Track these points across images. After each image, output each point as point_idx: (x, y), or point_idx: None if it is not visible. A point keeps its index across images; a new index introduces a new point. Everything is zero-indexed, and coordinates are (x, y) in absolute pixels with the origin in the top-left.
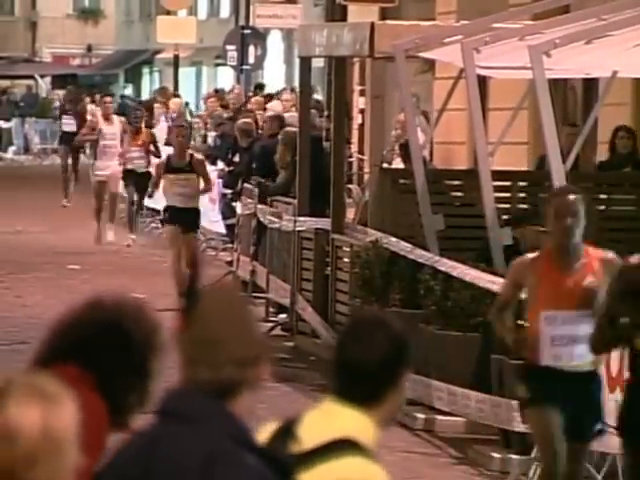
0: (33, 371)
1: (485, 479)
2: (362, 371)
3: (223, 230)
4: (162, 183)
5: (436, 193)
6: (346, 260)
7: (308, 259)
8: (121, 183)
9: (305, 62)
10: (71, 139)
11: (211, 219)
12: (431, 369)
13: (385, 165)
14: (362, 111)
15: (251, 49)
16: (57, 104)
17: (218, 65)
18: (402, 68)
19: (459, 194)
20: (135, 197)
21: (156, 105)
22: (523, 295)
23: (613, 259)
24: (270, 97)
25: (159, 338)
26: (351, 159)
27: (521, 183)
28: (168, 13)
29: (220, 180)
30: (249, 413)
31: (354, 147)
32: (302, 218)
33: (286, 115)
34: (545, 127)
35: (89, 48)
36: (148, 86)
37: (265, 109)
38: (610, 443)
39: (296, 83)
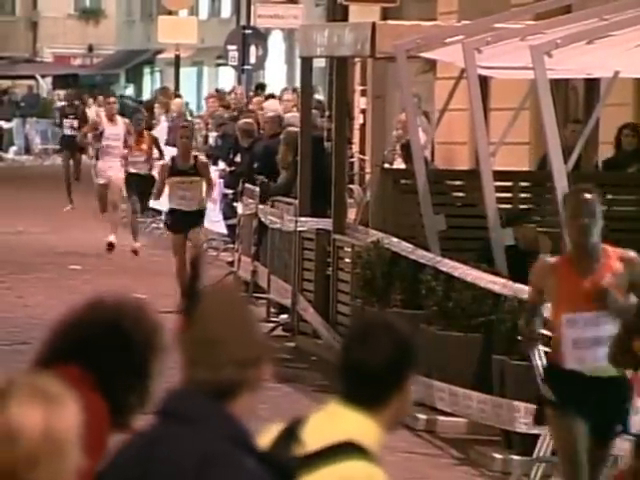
0: (35, 372)
1: None
2: (367, 374)
3: (224, 230)
4: (166, 187)
5: (437, 193)
6: (347, 260)
7: (309, 259)
8: (123, 188)
9: (306, 62)
10: (72, 142)
11: (212, 219)
12: (432, 370)
13: (386, 165)
14: (363, 111)
15: (252, 49)
16: (58, 104)
17: (219, 65)
18: (403, 68)
19: (460, 194)
20: (138, 204)
21: (156, 105)
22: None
23: (634, 258)
24: (272, 98)
25: (159, 338)
26: (352, 159)
27: (523, 183)
28: (169, 13)
29: (221, 180)
30: (250, 414)
31: (355, 147)
32: (303, 218)
33: (287, 115)
34: (546, 127)
35: (90, 48)
36: (149, 86)
37: (263, 109)
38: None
39: (297, 83)
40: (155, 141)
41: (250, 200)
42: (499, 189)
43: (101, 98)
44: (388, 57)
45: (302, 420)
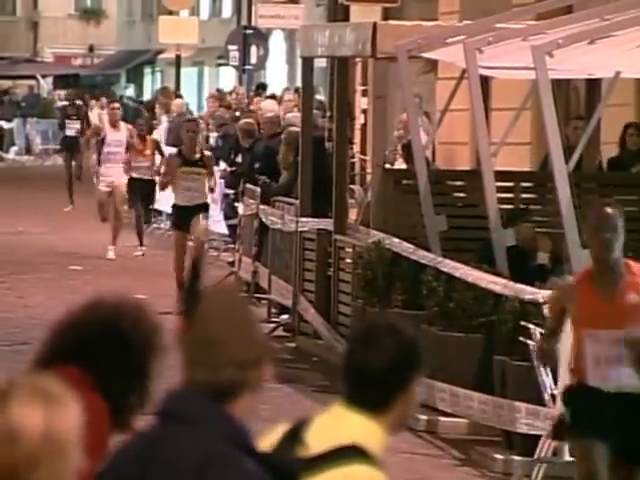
0: (35, 372)
1: None
2: (370, 376)
3: (225, 231)
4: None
5: (438, 194)
6: (348, 261)
7: (310, 260)
8: (125, 194)
9: (307, 62)
10: (74, 143)
11: (213, 219)
12: (433, 370)
13: (387, 165)
14: (364, 111)
15: (253, 49)
16: (59, 104)
17: (220, 65)
18: (404, 68)
19: (462, 195)
20: (142, 209)
21: (157, 106)
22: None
23: None
24: (274, 98)
25: (159, 339)
26: (353, 159)
27: (524, 184)
28: (170, 13)
29: (222, 180)
30: (250, 415)
31: (356, 147)
32: (304, 219)
33: (289, 115)
34: (548, 127)
35: (91, 48)
36: (150, 86)
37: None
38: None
39: (298, 83)
40: (157, 145)
41: (251, 200)
42: (500, 189)
43: (104, 100)
44: (389, 57)
45: (307, 421)
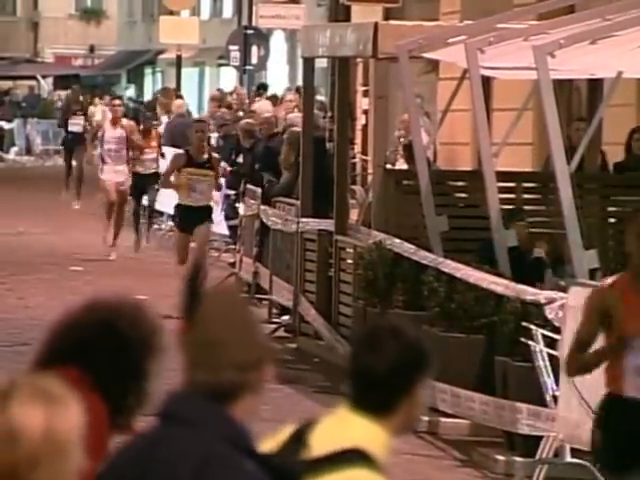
0: (36, 373)
1: None
2: (375, 380)
3: (226, 231)
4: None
5: (440, 194)
6: (349, 261)
7: (311, 260)
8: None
9: (308, 63)
10: (77, 139)
11: (214, 220)
12: (434, 371)
13: (388, 166)
14: (365, 112)
15: (254, 49)
16: (59, 104)
17: (221, 66)
18: (406, 68)
19: (463, 195)
20: (143, 204)
21: (158, 106)
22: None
23: None
24: (275, 99)
25: (157, 338)
26: (354, 160)
27: (525, 184)
28: (171, 13)
29: (223, 180)
30: (251, 416)
31: (357, 148)
32: (305, 219)
33: (290, 115)
34: (549, 128)
35: (91, 48)
36: (151, 87)
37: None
38: None
39: (299, 84)
40: (160, 139)
41: (252, 201)
42: (502, 190)
43: (108, 98)
44: (390, 57)
45: (311, 423)
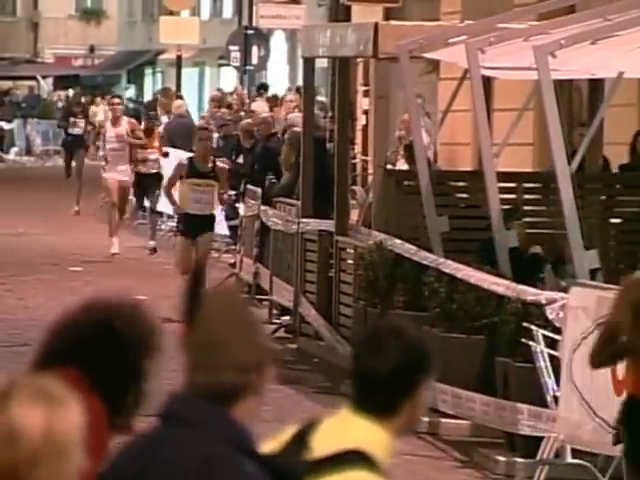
0: (35, 373)
1: None
2: (377, 381)
3: (226, 232)
4: (178, 187)
5: (440, 194)
6: (350, 262)
7: (312, 261)
8: (130, 191)
9: (309, 63)
10: (77, 141)
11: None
12: (434, 372)
13: (389, 166)
14: (366, 112)
15: (254, 50)
16: (60, 105)
17: (221, 66)
18: (406, 68)
19: (464, 196)
20: (147, 202)
21: (159, 106)
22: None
23: None
24: (275, 99)
25: (155, 338)
26: (355, 160)
27: (526, 184)
28: (171, 13)
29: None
30: (253, 418)
31: (358, 148)
32: (306, 220)
33: (291, 116)
34: (550, 128)
35: (91, 49)
36: (151, 87)
37: (271, 110)
38: (615, 446)
39: (300, 84)
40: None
41: (252, 201)
42: (503, 190)
43: (109, 97)
44: (391, 57)
45: (313, 424)
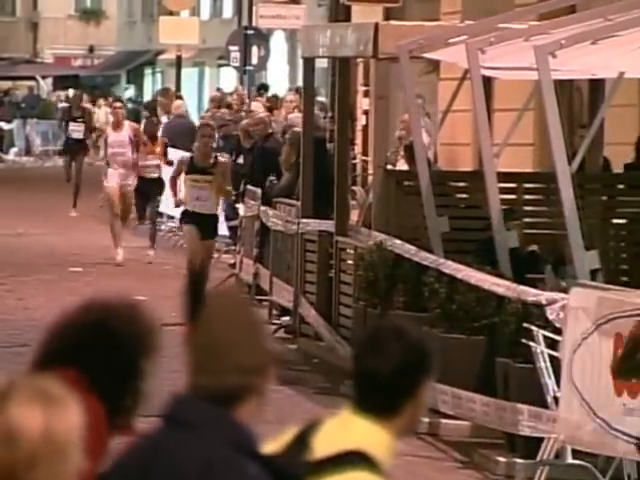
0: (34, 374)
1: None
2: (378, 382)
3: (226, 232)
4: (182, 184)
5: (441, 195)
6: (350, 262)
7: (312, 261)
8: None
9: (309, 63)
10: (78, 146)
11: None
12: (435, 372)
13: (389, 167)
14: (366, 112)
15: (254, 50)
16: (60, 105)
17: (221, 66)
18: (406, 69)
19: (464, 196)
20: (149, 209)
21: (159, 107)
22: None
23: None
24: (275, 99)
25: (152, 338)
26: (355, 160)
27: (527, 185)
28: (170, 14)
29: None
30: (256, 420)
31: (358, 148)
32: (306, 220)
33: (291, 116)
34: (551, 128)
35: (91, 49)
36: (150, 87)
37: (271, 111)
38: (616, 447)
39: (299, 84)
40: (166, 147)
41: (252, 202)
42: (503, 190)
43: (111, 99)
44: (391, 57)
45: (315, 425)
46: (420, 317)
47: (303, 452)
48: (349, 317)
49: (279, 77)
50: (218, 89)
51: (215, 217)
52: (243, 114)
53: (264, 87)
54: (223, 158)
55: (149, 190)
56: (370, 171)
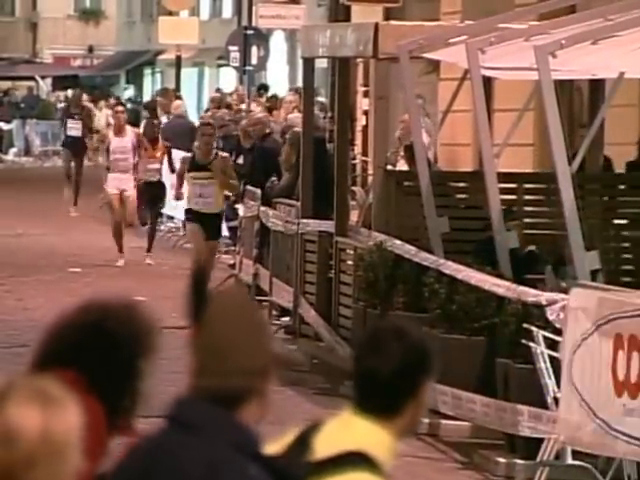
0: (33, 374)
1: None
2: (379, 382)
3: (226, 232)
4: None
5: (441, 195)
6: (350, 263)
7: (311, 262)
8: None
9: (308, 63)
10: (76, 143)
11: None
12: (436, 372)
13: (389, 167)
14: (366, 112)
15: (254, 50)
16: (60, 105)
17: (220, 66)
18: (406, 69)
19: (464, 196)
20: (151, 213)
21: (158, 107)
22: None
23: None
24: (275, 99)
25: (150, 338)
26: (355, 161)
27: (527, 185)
28: (170, 14)
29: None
30: (259, 421)
31: (358, 149)
32: (305, 220)
33: (291, 116)
34: (551, 128)
35: (90, 49)
36: (150, 87)
37: (271, 111)
38: (616, 447)
39: (299, 84)
40: (169, 152)
41: (252, 202)
42: (503, 191)
43: (113, 101)
44: (391, 58)
45: (316, 426)
46: (420, 318)
47: (304, 453)
48: (349, 318)
49: (279, 77)
50: (218, 89)
51: (219, 217)
52: (243, 114)
53: (264, 87)
54: (223, 153)
55: (151, 194)
56: (370, 171)
